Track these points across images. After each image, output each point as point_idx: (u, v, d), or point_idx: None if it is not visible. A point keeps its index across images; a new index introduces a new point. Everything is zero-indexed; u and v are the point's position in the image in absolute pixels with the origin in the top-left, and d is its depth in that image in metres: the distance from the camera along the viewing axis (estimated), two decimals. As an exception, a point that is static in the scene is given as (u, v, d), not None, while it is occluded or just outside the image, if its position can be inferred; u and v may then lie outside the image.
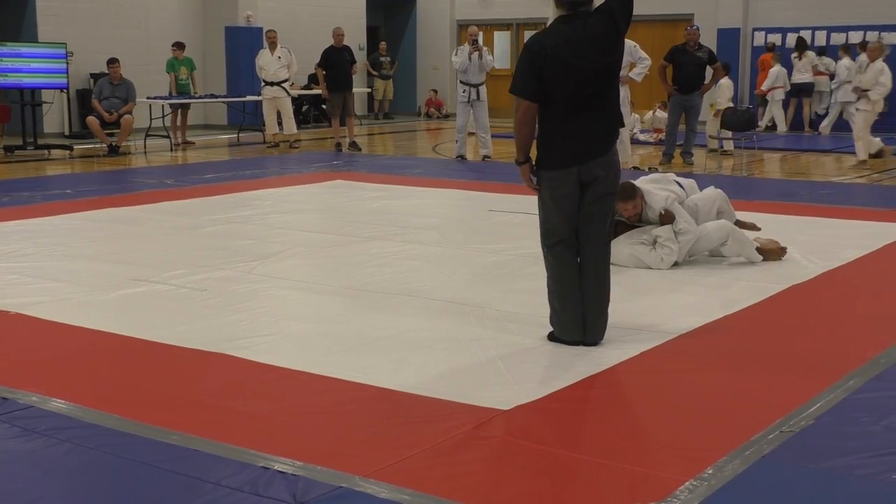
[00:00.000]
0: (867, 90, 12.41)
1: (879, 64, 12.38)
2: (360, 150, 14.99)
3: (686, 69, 12.55)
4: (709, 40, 18.91)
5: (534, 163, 4.81)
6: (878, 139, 13.54)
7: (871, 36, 17.50)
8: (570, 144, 4.67)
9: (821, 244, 7.23)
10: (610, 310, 4.84)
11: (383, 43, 22.46)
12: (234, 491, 3.15)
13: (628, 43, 6.21)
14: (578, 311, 4.76)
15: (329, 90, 14.86)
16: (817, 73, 18.18)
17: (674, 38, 16.27)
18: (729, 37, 18.53)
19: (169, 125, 15.85)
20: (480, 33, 14.11)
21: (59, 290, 5.87)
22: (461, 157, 13.57)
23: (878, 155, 13.34)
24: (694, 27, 12.89)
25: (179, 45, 16.21)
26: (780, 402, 3.96)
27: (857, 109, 12.96)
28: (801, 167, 13.39)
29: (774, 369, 4.46)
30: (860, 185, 11.20)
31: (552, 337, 4.84)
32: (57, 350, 4.81)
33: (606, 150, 4.73)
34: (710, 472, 3.28)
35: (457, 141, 13.70)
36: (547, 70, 4.60)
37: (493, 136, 13.74)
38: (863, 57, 13.45)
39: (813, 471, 3.32)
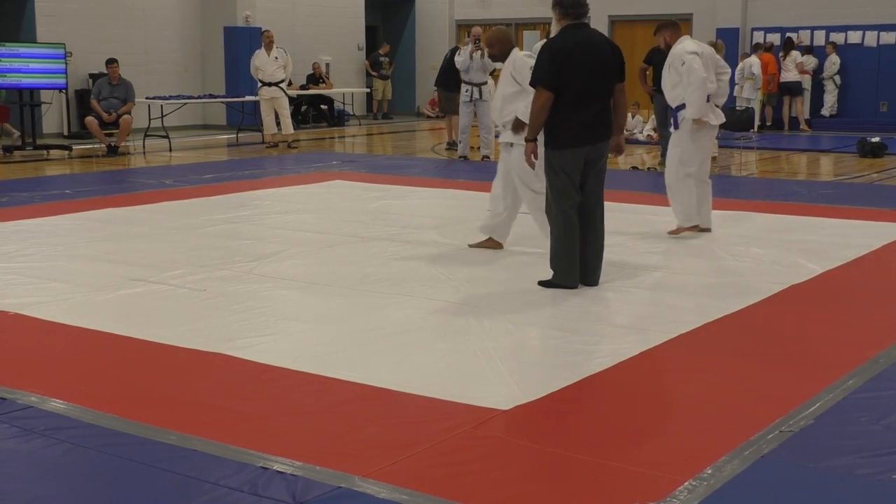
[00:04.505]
0: None
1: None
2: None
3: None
4: (708, 40, 18.94)
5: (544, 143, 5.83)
6: None
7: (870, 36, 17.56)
8: (579, 129, 5.73)
9: (820, 244, 7.24)
10: (608, 307, 4.98)
11: (387, 45, 22.48)
12: (234, 491, 3.15)
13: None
14: (578, 261, 5.77)
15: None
16: (803, 71, 18.18)
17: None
18: (728, 36, 18.51)
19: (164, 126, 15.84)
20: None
21: (59, 291, 5.87)
22: (464, 158, 13.55)
23: None
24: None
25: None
26: (779, 401, 3.96)
27: None
28: (800, 166, 13.40)
29: (773, 369, 4.46)
30: (860, 185, 11.20)
31: (547, 283, 5.79)
32: (56, 350, 4.81)
33: (606, 136, 5.87)
34: (710, 471, 3.28)
35: (460, 141, 13.69)
36: (565, 67, 5.65)
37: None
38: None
39: (812, 470, 3.32)
